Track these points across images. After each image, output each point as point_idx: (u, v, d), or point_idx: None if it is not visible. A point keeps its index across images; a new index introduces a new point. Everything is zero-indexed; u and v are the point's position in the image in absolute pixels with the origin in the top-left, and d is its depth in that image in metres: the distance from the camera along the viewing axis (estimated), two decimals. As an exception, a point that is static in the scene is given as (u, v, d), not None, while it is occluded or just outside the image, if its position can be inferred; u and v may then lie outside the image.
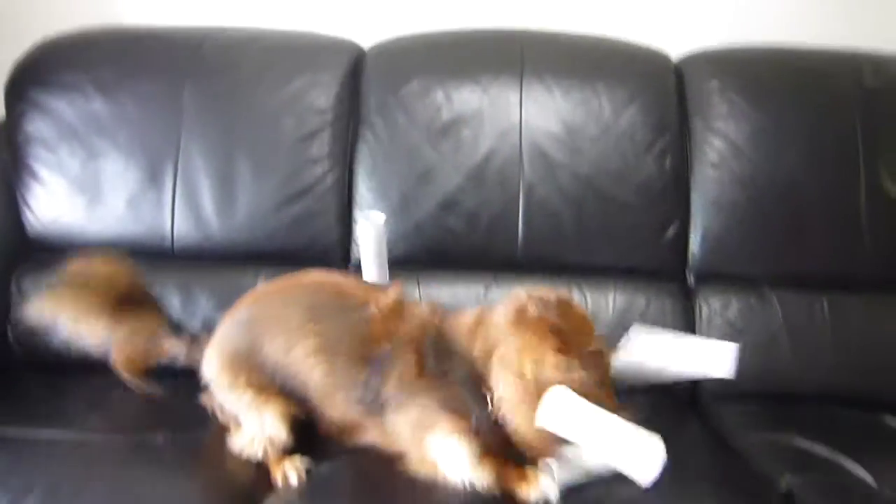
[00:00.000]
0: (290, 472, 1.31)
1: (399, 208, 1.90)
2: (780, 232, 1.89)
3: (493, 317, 1.26)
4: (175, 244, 1.93)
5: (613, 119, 1.90)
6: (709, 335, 1.85)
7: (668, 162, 1.90)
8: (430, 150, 1.91)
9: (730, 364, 1.36)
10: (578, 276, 1.89)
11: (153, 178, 1.92)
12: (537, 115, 1.91)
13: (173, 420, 1.42)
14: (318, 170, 1.93)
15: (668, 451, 1.37)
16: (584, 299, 1.86)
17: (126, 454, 1.33)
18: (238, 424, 1.38)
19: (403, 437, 1.27)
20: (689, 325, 1.86)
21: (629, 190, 1.88)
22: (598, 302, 1.86)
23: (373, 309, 1.32)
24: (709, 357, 1.37)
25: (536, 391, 1.15)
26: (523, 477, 1.23)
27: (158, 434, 1.39)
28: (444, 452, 1.24)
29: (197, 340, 1.49)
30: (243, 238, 1.92)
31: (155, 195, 1.92)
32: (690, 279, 1.95)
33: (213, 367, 1.39)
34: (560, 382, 1.15)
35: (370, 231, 1.72)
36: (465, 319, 1.30)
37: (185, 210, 1.91)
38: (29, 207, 1.94)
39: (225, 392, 1.38)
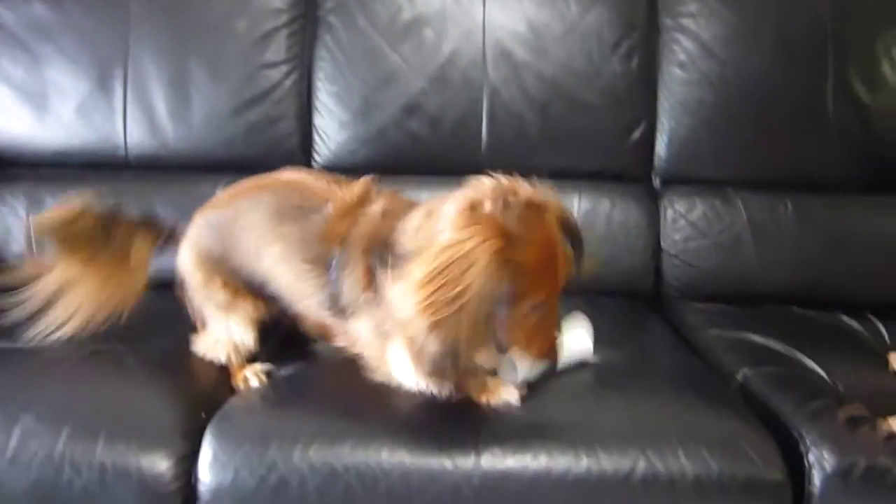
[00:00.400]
0: (252, 377, 1.30)
1: (360, 113, 1.85)
2: (747, 133, 1.88)
3: (444, 207, 1.07)
4: (129, 153, 1.87)
5: (579, 17, 1.84)
6: (673, 237, 1.86)
7: (634, 62, 1.86)
8: (391, 52, 1.84)
9: (588, 348, 1.33)
10: (543, 179, 1.85)
11: (102, 84, 1.84)
12: (501, 14, 1.85)
13: (135, 330, 1.39)
14: (275, 74, 1.86)
15: (630, 350, 1.40)
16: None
17: (83, 362, 1.30)
18: (204, 325, 1.36)
19: (364, 344, 1.22)
20: (653, 227, 1.86)
21: (595, 91, 1.84)
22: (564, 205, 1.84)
23: (330, 207, 1.23)
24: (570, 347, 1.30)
25: (455, 295, 0.97)
26: (483, 387, 1.19)
27: (118, 343, 1.36)
28: (401, 361, 1.16)
29: (173, 234, 1.42)
30: (200, 146, 1.86)
31: (105, 102, 1.85)
32: (656, 182, 1.94)
33: (187, 263, 1.34)
34: (481, 292, 0.97)
35: None
36: (417, 215, 1.13)
37: (138, 117, 1.85)
38: (-27, 118, 1.86)
39: (198, 290, 1.34)
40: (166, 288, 1.39)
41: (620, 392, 1.27)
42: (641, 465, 1.09)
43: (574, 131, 1.85)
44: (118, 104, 1.85)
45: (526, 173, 1.82)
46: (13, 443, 1.12)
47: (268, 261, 1.26)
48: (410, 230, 1.12)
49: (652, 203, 1.88)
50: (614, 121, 1.87)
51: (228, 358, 1.33)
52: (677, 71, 1.87)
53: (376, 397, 1.21)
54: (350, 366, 1.26)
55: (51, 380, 1.24)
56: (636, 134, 1.88)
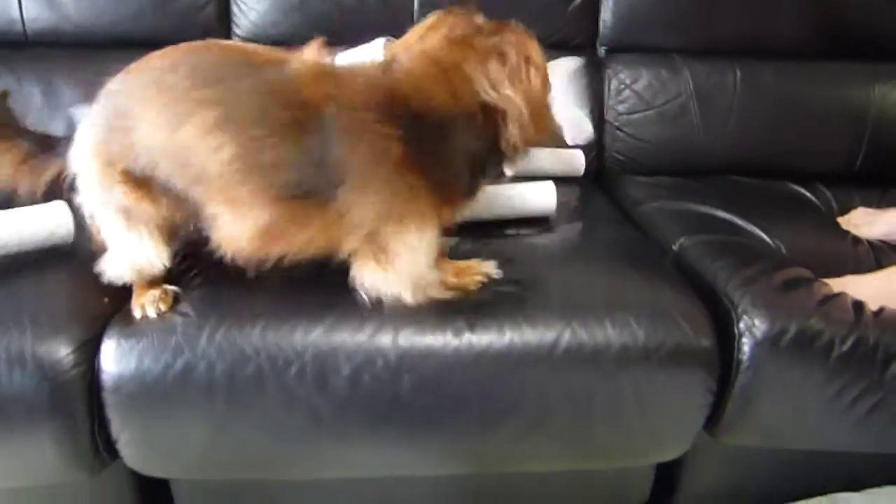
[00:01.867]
0: (149, 306, 1.07)
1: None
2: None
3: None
4: (27, 28, 1.70)
5: None
6: (617, 109, 1.78)
7: (564, -80, 1.71)
8: None
9: (552, 200, 1.32)
10: None
11: (-12, -51, 1.65)
12: None
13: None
14: (185, -65, 1.68)
15: (564, 223, 1.35)
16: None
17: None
18: (102, 239, 1.08)
19: (357, 226, 0.99)
20: (597, 98, 1.77)
21: (536, -48, 1.70)
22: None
23: (295, 65, 0.99)
24: (533, 197, 1.32)
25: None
26: (458, 271, 1.11)
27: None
28: (410, 248, 1.01)
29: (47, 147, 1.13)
30: (106, 18, 1.70)
31: (-6, -26, 1.66)
32: (600, 50, 1.84)
33: (80, 154, 1.03)
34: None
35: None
36: (422, 64, 1.01)
37: (35, -12, 1.67)
38: None
39: (93, 188, 1.04)
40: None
41: (551, 264, 1.22)
42: (566, 337, 1.04)
43: (512, -4, 1.71)
44: (10, -28, 1.67)
45: None
46: None
47: (190, 133, 0.95)
48: (428, 75, 1.00)
49: (596, 73, 1.79)
50: (556, -16, 1.73)
51: (133, 277, 1.08)
52: (623, -68, 1.73)
53: (287, 282, 1.13)
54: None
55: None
56: (579, -1, 1.75)
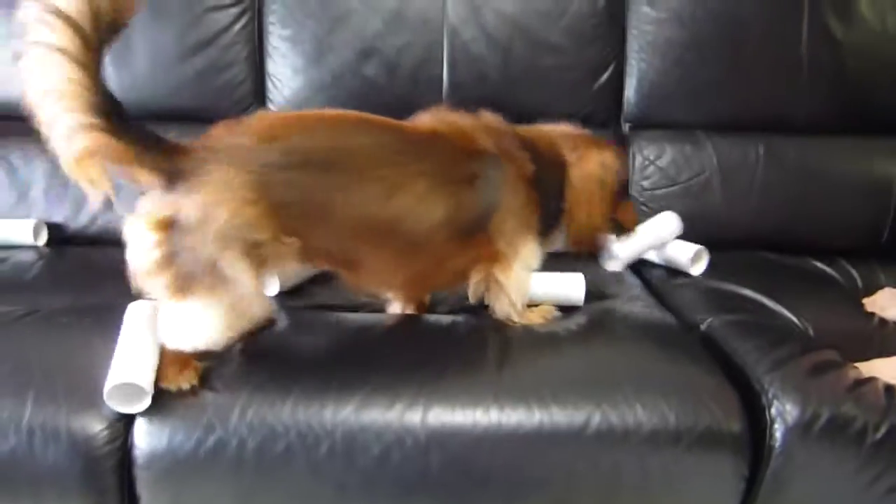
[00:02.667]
0: (181, 380, 1.08)
1: (314, 57, 1.77)
2: (719, 74, 1.81)
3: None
4: (71, 103, 1.77)
5: (542, -48, 1.75)
6: (642, 184, 1.80)
7: (602, 0, 1.78)
8: (345, -9, 1.75)
9: (581, 293, 1.36)
10: None
11: (39, 29, 1.73)
12: (460, -50, 1.75)
13: (67, 288, 1.31)
14: (224, 17, 1.77)
15: (590, 299, 1.35)
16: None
17: (14, 322, 1.23)
18: (205, 286, 1.00)
19: (502, 238, 1.19)
20: (622, 174, 1.79)
21: (560, 31, 1.76)
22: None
23: (442, 129, 1.17)
24: (564, 287, 1.36)
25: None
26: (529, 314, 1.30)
27: (49, 300, 1.29)
28: (528, 256, 1.24)
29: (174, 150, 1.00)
30: (146, 94, 1.77)
31: (43, 48, 1.74)
32: (624, 127, 1.87)
33: (232, 208, 0.97)
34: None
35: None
36: (538, 130, 1.30)
37: (79, 64, 1.74)
38: None
39: (231, 234, 0.98)
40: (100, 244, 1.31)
41: (578, 342, 1.23)
42: (596, 418, 1.04)
43: (538, 74, 1.77)
44: (58, 51, 1.74)
45: None
46: (-65, 407, 1.05)
47: (407, 201, 1.08)
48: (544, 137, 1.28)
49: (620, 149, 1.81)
50: (581, 63, 1.79)
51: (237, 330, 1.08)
52: (646, 9, 1.80)
53: (319, 355, 1.15)
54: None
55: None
56: (604, 76, 1.81)
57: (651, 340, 1.25)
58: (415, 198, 1.08)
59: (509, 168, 1.18)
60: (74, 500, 1.04)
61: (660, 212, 1.69)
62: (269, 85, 1.80)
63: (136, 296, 1.05)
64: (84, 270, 1.49)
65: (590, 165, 1.26)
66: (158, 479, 1.05)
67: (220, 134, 1.03)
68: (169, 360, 1.08)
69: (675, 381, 1.12)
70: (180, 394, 1.07)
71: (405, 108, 1.74)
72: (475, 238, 1.17)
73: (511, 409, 1.04)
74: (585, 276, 1.38)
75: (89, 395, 1.07)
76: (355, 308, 1.35)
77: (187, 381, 1.07)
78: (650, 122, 1.85)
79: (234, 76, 1.78)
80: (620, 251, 1.58)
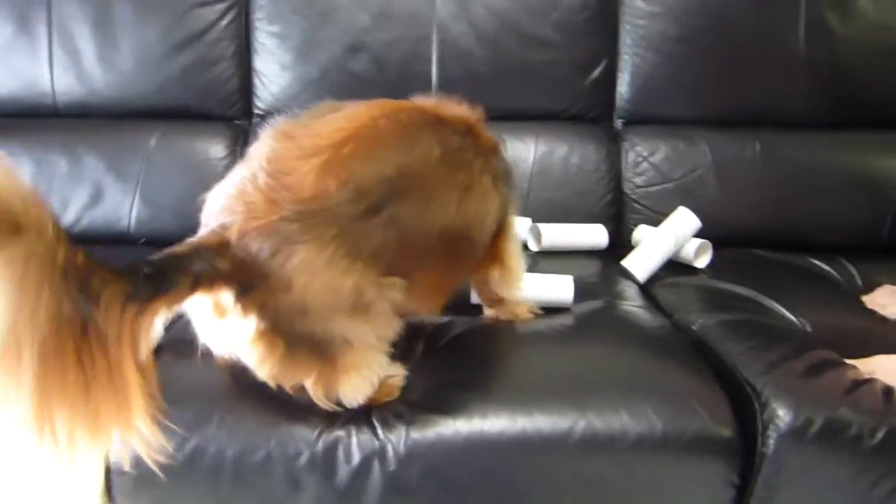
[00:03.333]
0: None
1: (302, 53, 1.74)
2: (714, 69, 1.78)
3: None
4: (57, 100, 1.75)
5: (532, -55, 1.71)
6: (635, 182, 1.77)
7: (594, -6, 1.75)
8: (333, -15, 1.72)
9: (569, 295, 1.31)
10: (496, 121, 1.70)
11: (24, 26, 1.73)
12: (450, -58, 1.72)
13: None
14: (210, 13, 1.74)
15: (575, 300, 1.32)
16: (503, 146, 1.74)
17: None
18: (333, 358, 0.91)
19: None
20: (614, 171, 1.77)
21: (550, 26, 1.73)
22: (518, 149, 1.75)
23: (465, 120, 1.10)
24: (552, 289, 1.32)
25: None
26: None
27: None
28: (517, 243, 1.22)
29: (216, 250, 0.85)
30: (132, 91, 1.75)
31: (28, 45, 1.73)
32: (617, 123, 1.85)
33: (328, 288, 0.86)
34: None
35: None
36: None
37: (64, 61, 1.73)
38: None
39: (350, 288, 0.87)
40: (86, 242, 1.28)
41: (563, 344, 1.20)
42: (580, 425, 1.01)
43: (528, 69, 1.75)
44: (43, 49, 1.73)
45: None
46: None
47: (473, 205, 1.02)
48: None
49: (613, 145, 1.80)
50: (572, 58, 1.76)
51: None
52: (639, 3, 1.77)
53: None
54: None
55: None
56: (596, 71, 1.78)
57: (640, 342, 1.22)
58: (480, 197, 1.04)
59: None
60: (49, 507, 1.02)
61: (654, 210, 1.67)
62: (256, 81, 1.78)
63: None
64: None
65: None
66: (135, 485, 1.03)
67: (260, 203, 0.84)
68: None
69: (664, 385, 1.09)
70: (159, 399, 1.05)
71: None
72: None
73: (493, 416, 1.01)
74: (576, 273, 1.35)
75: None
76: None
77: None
78: (643, 118, 1.82)
79: (220, 73, 1.76)
80: (641, 260, 1.54)
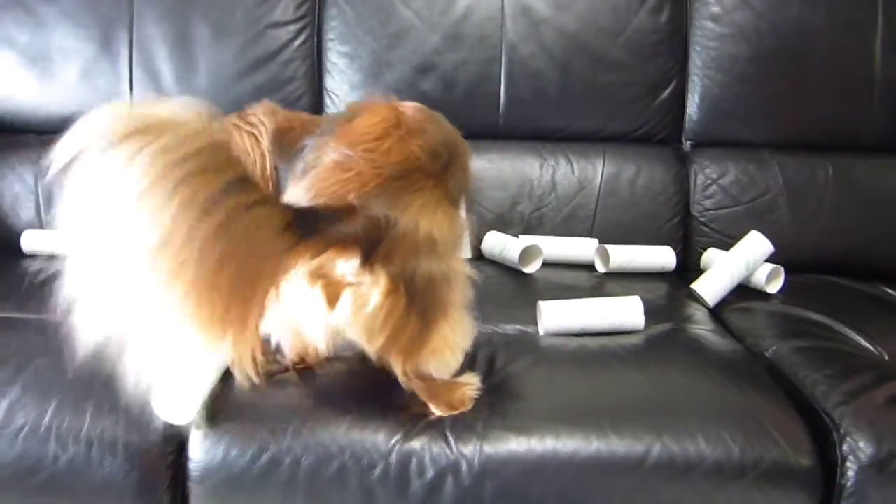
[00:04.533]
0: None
1: (371, 73, 1.77)
2: (785, 90, 1.75)
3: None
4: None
5: (604, -33, 1.72)
6: (703, 204, 1.75)
7: (664, 15, 1.75)
8: (404, 7, 1.75)
9: (640, 315, 1.30)
10: (564, 142, 1.78)
11: (106, 46, 1.78)
12: (521, -36, 1.74)
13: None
14: (284, 33, 1.78)
15: (649, 322, 1.31)
16: (570, 167, 1.75)
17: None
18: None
19: None
20: (682, 193, 1.75)
21: (620, 47, 1.73)
22: (586, 170, 1.75)
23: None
24: (622, 312, 1.30)
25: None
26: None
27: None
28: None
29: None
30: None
31: (110, 65, 1.79)
32: (686, 144, 1.83)
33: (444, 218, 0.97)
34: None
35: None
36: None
37: (144, 80, 1.78)
38: (-21, 84, 1.82)
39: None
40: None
41: (634, 367, 1.19)
42: (656, 449, 1.00)
43: (597, 91, 1.75)
44: (123, 68, 1.79)
45: (545, 135, 1.77)
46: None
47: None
48: None
49: (681, 167, 1.78)
50: (641, 79, 1.76)
51: None
52: (710, 24, 1.75)
53: (379, 379, 1.14)
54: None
55: (42, 351, 1.19)
56: (665, 93, 1.77)
57: (714, 367, 1.20)
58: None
59: None
60: (130, 512, 1.05)
61: (723, 233, 1.65)
62: (327, 101, 1.82)
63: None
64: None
65: None
66: (212, 494, 1.05)
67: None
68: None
69: (740, 410, 1.07)
70: (236, 409, 1.07)
71: (462, 124, 1.75)
72: None
73: (567, 436, 1.01)
74: (644, 296, 1.34)
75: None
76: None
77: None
78: (713, 140, 1.80)
79: (292, 92, 1.80)
80: (711, 284, 1.51)
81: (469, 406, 1.06)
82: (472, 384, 1.08)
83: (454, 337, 1.01)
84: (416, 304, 0.94)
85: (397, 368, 0.99)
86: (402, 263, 0.92)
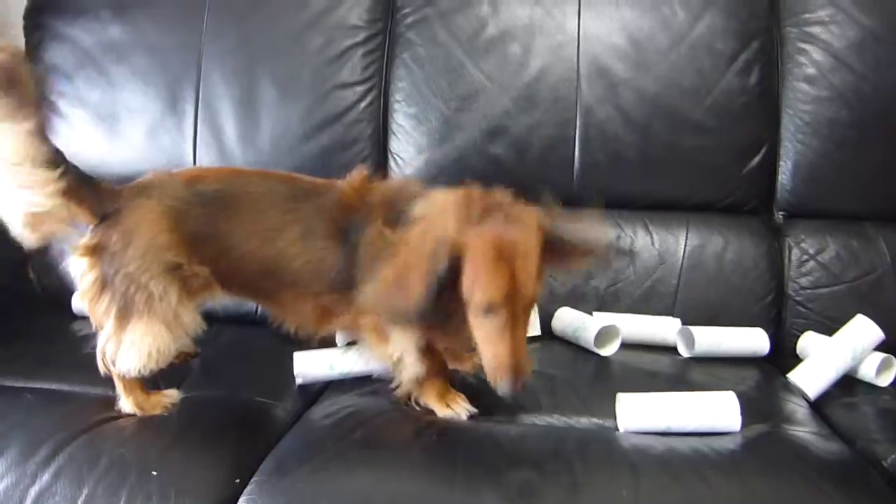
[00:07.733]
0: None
1: (440, 136, 1.71)
2: (890, 158, 1.62)
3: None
4: (199, 174, 1.78)
5: (688, 27, 1.64)
6: (800, 282, 1.60)
7: (753, 77, 1.65)
8: (474, 69, 1.69)
9: (736, 415, 1.15)
10: (644, 211, 1.67)
11: (173, 105, 1.78)
12: (597, 24, 1.67)
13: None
14: (350, 94, 1.74)
15: (747, 422, 1.16)
16: (650, 238, 1.63)
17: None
18: (123, 317, 1.15)
19: (368, 305, 1.13)
20: (775, 269, 1.61)
21: (706, 110, 1.63)
22: (667, 241, 1.63)
23: (342, 186, 1.23)
24: (716, 412, 1.16)
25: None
26: (442, 394, 1.22)
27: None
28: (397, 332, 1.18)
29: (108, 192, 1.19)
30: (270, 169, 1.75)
31: (175, 123, 1.78)
32: (778, 216, 1.70)
33: (151, 226, 1.15)
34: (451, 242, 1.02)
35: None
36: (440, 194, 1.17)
37: (207, 139, 1.77)
38: (48, 142, 1.83)
39: (149, 264, 1.14)
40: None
41: (736, 477, 1.03)
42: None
43: (680, 156, 1.64)
44: (188, 127, 1.78)
45: (624, 205, 1.66)
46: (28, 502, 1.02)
47: (282, 243, 1.19)
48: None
49: (773, 240, 1.65)
50: (729, 144, 1.65)
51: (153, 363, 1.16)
52: (804, 86, 1.64)
53: (424, 454, 1.06)
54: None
55: (80, 430, 1.12)
56: (755, 159, 1.66)
57: (820, 475, 1.04)
58: (288, 240, 1.19)
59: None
60: None
61: (823, 315, 1.49)
62: (392, 164, 1.76)
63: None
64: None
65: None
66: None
67: (148, 177, 1.23)
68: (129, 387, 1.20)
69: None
70: (288, 474, 1.01)
71: (534, 190, 1.66)
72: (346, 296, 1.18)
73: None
74: (734, 387, 1.20)
75: (182, 495, 1.00)
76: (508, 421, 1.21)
77: (156, 408, 1.20)
78: (809, 212, 1.67)
79: (356, 154, 1.75)
80: (812, 374, 1.37)
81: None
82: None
83: None
84: None
85: None
86: None
